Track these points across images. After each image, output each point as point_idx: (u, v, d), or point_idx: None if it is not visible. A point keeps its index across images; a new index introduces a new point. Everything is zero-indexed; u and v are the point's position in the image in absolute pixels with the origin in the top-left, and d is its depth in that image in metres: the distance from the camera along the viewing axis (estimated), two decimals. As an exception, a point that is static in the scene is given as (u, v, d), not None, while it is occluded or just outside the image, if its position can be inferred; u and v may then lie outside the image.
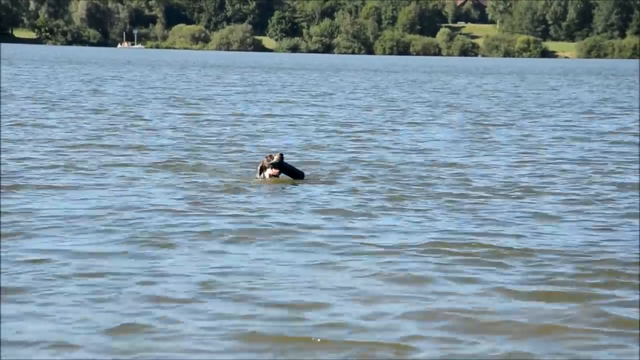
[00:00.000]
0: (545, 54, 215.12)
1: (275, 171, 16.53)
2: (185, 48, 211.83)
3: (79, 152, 20.12)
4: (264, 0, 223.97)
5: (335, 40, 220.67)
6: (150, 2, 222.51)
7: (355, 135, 25.83)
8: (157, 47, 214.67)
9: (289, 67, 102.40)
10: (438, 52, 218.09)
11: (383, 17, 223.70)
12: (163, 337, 7.92)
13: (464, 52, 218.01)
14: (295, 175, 16.82)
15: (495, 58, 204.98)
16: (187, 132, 25.29)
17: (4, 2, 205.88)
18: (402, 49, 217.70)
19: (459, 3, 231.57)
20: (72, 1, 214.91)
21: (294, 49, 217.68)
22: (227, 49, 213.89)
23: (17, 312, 8.51)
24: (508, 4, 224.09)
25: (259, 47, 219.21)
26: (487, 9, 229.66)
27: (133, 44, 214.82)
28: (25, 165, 17.90)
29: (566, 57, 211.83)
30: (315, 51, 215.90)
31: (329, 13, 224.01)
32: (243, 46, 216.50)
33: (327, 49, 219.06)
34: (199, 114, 31.78)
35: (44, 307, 8.66)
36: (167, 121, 28.72)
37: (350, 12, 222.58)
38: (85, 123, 27.13)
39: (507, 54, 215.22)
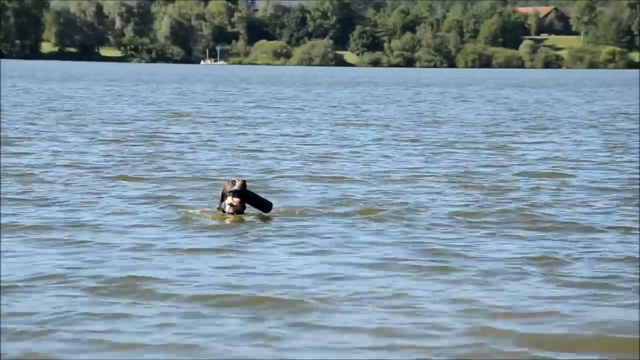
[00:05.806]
0: (631, 65, 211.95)
1: (236, 201, 13.54)
2: (267, 64, 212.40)
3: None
4: (345, 15, 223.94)
5: (416, 54, 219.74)
6: (232, 19, 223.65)
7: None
8: (240, 63, 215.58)
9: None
10: (521, 65, 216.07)
11: (465, 30, 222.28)
12: None
13: (547, 64, 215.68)
14: (262, 206, 13.75)
15: (581, 70, 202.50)
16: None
17: (90, 21, 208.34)
18: (485, 62, 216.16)
19: (542, 15, 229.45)
20: (157, 19, 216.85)
21: (376, 63, 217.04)
22: (309, 64, 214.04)
23: None
24: (593, 14, 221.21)
25: (341, 62, 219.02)
26: (570, 20, 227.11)
27: (216, 61, 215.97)
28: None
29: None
30: (397, 65, 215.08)
31: (410, 27, 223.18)
32: (324, 61, 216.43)
33: (409, 63, 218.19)
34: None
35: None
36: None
37: (432, 26, 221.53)
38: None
39: (592, 65, 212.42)
